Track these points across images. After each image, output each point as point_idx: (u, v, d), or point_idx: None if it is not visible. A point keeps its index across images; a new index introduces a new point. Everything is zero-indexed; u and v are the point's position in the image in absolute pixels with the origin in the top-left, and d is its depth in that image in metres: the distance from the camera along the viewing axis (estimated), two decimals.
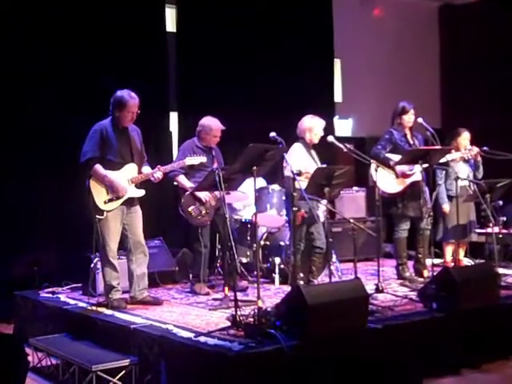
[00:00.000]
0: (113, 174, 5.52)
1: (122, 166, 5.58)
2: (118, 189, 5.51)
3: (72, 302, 6.00)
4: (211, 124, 6.21)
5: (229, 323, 4.67)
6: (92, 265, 6.17)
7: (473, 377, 4.97)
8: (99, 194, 5.51)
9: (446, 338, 5.04)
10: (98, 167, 5.49)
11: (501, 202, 8.11)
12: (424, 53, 10.82)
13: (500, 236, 7.30)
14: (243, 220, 6.90)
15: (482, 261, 7.15)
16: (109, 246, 5.56)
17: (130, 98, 5.52)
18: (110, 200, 5.53)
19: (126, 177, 5.58)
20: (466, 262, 7.18)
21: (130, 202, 5.64)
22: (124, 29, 7.53)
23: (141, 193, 5.67)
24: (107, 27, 7.43)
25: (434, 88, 11.07)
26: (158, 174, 5.67)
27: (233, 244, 4.76)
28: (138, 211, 5.72)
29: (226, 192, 5.22)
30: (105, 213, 5.50)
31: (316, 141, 6.31)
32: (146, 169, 5.76)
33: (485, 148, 7.10)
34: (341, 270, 6.80)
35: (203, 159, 5.97)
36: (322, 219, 6.14)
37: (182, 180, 6.14)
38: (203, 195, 6.06)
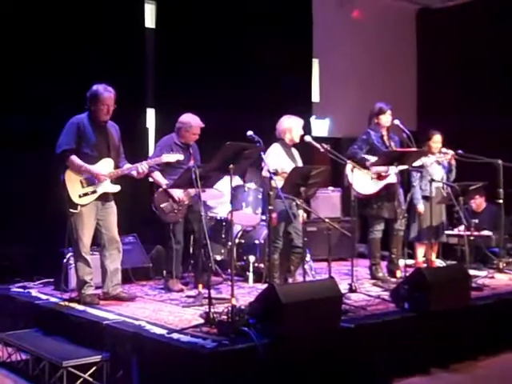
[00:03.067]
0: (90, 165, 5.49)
1: (97, 160, 5.53)
2: (97, 175, 5.46)
3: (44, 297, 5.95)
4: (191, 121, 6.19)
5: (202, 320, 4.66)
6: (64, 260, 6.12)
7: (442, 376, 5.03)
8: (74, 188, 5.46)
9: (417, 337, 5.08)
10: (75, 158, 5.44)
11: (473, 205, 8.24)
12: (402, 55, 10.91)
13: (471, 238, 7.38)
14: (218, 218, 6.89)
15: (453, 262, 7.22)
16: (82, 241, 5.51)
17: (105, 91, 5.49)
18: (85, 194, 5.49)
19: (102, 170, 5.55)
20: (438, 263, 7.26)
21: (104, 198, 5.60)
22: (103, 24, 7.47)
23: (116, 188, 5.64)
24: (86, 22, 7.36)
25: (410, 90, 11.16)
26: (144, 166, 5.62)
27: (208, 241, 4.76)
28: (112, 207, 5.68)
29: (202, 189, 5.21)
30: (79, 207, 5.45)
31: (297, 140, 6.33)
32: (126, 165, 5.72)
33: (459, 151, 7.19)
34: (315, 270, 6.83)
35: (180, 157, 5.94)
36: (300, 218, 6.16)
37: (157, 176, 6.12)
38: (177, 193, 6.03)
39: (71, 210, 5.45)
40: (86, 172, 5.47)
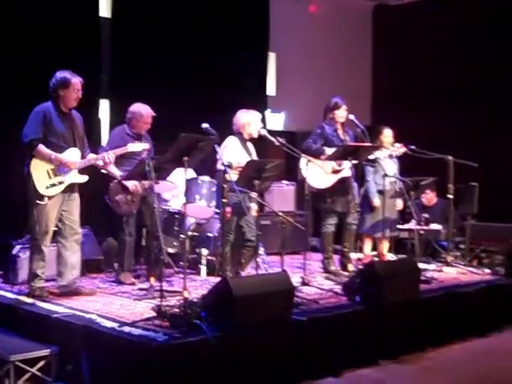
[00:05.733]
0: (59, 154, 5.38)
1: (64, 150, 5.41)
2: (67, 163, 5.35)
3: None
4: (141, 110, 6.13)
5: (154, 314, 4.62)
6: (14, 252, 6.00)
7: (391, 368, 5.10)
8: (40, 178, 5.30)
9: (367, 330, 5.15)
10: (43, 147, 5.31)
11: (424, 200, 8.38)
12: (357, 50, 10.99)
13: (422, 232, 7.52)
14: (171, 210, 6.85)
15: (404, 256, 7.34)
16: (43, 233, 5.36)
17: (74, 76, 5.43)
18: (53, 185, 5.35)
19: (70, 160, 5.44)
20: (390, 256, 7.36)
21: (70, 189, 5.48)
22: (58, 13, 7.32)
23: (84, 178, 5.53)
24: (40, 11, 7.20)
25: (365, 86, 11.26)
26: (111, 156, 5.54)
27: (160, 234, 4.73)
28: (77, 198, 5.57)
29: (155, 181, 5.18)
30: (46, 198, 5.31)
31: (255, 135, 6.31)
32: (90, 155, 5.64)
33: (411, 146, 7.30)
34: (268, 263, 6.85)
35: (146, 146, 5.85)
36: (253, 212, 6.17)
37: (112, 168, 6.03)
38: (131, 184, 5.97)
39: (38, 202, 5.28)
40: (56, 161, 5.33)
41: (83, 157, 5.55)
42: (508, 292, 6.51)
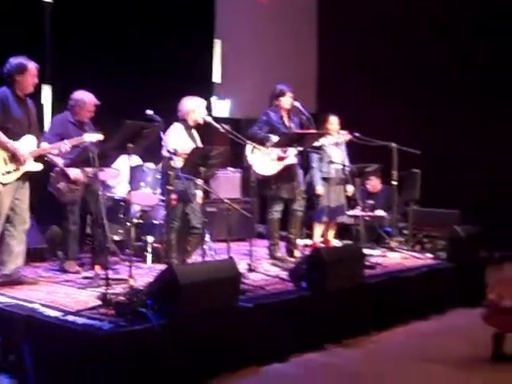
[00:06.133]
0: (15, 142, 5.25)
1: (20, 137, 5.29)
2: (21, 157, 5.23)
3: None
4: (84, 98, 6.03)
5: (99, 302, 4.57)
6: None
7: (335, 351, 5.19)
8: None
9: (313, 315, 5.21)
10: (0, 133, 5.19)
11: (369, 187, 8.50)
12: (303, 37, 11.02)
13: (367, 218, 7.63)
14: (116, 197, 6.78)
15: (349, 242, 7.43)
16: None
17: (29, 61, 5.34)
18: (8, 172, 5.21)
19: (25, 149, 5.31)
20: (335, 243, 7.45)
21: (24, 177, 5.36)
22: None
23: (39, 167, 5.42)
24: None
25: (311, 73, 11.31)
26: (67, 146, 5.46)
27: (105, 222, 4.67)
28: (28, 187, 5.46)
29: (100, 169, 5.11)
30: (1, 186, 5.18)
31: (201, 121, 6.28)
32: (44, 144, 5.53)
33: (356, 134, 7.38)
34: (214, 250, 6.85)
35: (100, 136, 5.75)
36: (199, 199, 6.15)
37: (54, 156, 5.93)
38: (73, 173, 5.87)
39: None
40: (12, 150, 5.21)
41: (38, 144, 5.45)
42: (449, 276, 6.68)
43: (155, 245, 6.58)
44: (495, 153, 9.01)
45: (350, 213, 7.53)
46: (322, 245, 7.29)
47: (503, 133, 9.13)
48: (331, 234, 7.50)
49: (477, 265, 7.10)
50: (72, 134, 5.84)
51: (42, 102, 7.88)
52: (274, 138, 6.47)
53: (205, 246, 6.00)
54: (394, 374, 4.75)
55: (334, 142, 7.36)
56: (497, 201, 8.95)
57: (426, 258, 7.05)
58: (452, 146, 9.36)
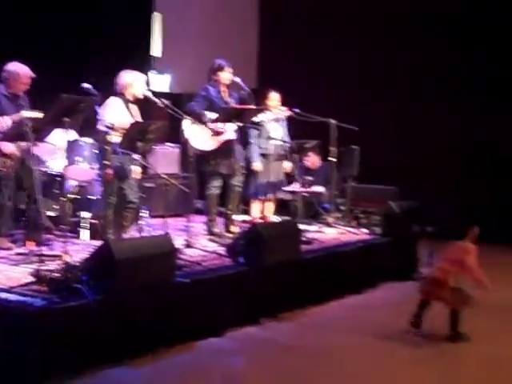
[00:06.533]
0: None
1: None
2: None
3: None
4: (18, 70, 5.85)
5: (33, 279, 4.51)
6: None
7: (271, 325, 5.28)
8: None
9: (250, 290, 5.27)
10: None
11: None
12: (244, 11, 10.95)
13: (305, 194, 7.71)
14: (52, 172, 6.65)
15: (286, 218, 7.51)
16: None
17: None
18: None
19: None
20: (274, 218, 7.51)
21: None
22: None
23: None
24: None
25: (252, 49, 11.27)
26: (8, 121, 5.30)
27: (39, 197, 4.60)
28: None
29: (34, 143, 5.01)
30: None
31: (140, 96, 6.17)
32: None
33: (296, 110, 7.42)
34: (151, 226, 6.81)
35: (39, 114, 5.59)
36: (137, 175, 6.09)
37: None
38: (7, 147, 5.73)
39: None
40: None
41: None
42: (383, 250, 6.85)
43: (92, 220, 6.50)
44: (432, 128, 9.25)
45: (289, 188, 7.59)
46: (261, 221, 7.34)
47: (440, 108, 9.35)
48: (270, 209, 7.55)
49: (410, 239, 7.28)
50: (6, 107, 5.67)
51: None
52: (210, 115, 6.44)
53: (142, 222, 5.97)
54: (327, 346, 4.86)
55: (274, 118, 7.39)
56: (433, 177, 9.19)
57: (361, 234, 7.19)
58: (390, 123, 9.53)
